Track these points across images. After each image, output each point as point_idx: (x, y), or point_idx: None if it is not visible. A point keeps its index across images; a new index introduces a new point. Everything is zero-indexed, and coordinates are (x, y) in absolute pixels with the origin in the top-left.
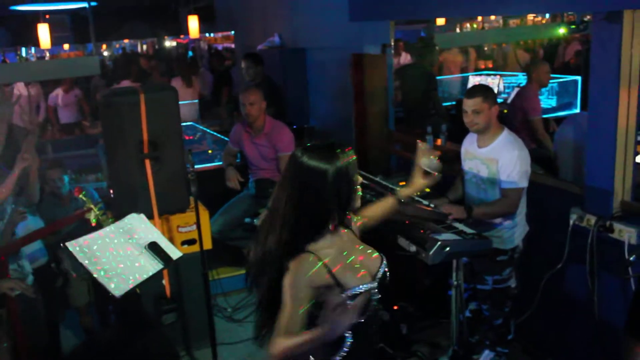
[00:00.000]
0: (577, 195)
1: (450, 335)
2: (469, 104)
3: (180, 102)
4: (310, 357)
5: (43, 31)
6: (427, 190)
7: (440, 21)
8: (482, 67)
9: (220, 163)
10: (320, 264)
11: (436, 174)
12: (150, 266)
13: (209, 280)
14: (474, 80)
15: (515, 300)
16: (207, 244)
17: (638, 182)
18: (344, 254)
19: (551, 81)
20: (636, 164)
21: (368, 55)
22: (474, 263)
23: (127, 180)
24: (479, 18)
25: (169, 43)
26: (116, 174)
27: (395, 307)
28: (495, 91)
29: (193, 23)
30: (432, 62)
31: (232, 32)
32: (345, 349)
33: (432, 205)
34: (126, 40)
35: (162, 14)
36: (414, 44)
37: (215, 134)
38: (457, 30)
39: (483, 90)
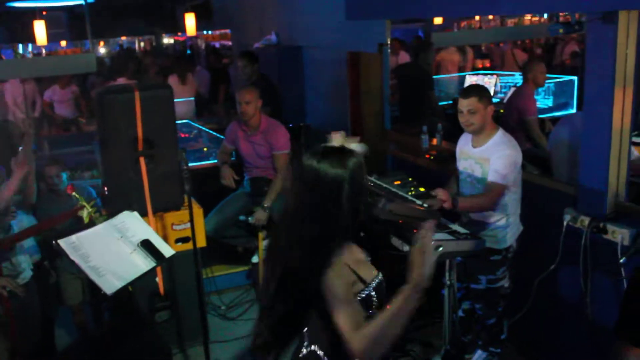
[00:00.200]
0: (571, 196)
1: (443, 335)
2: (464, 104)
3: (175, 100)
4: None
5: (39, 28)
6: (422, 189)
7: (438, 20)
8: (480, 66)
9: (216, 161)
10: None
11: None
12: (143, 264)
13: (202, 278)
14: (470, 79)
15: (509, 300)
16: (201, 242)
17: (632, 183)
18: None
19: (548, 81)
20: (630, 165)
21: (364, 54)
22: (467, 262)
23: (121, 178)
24: (476, 17)
25: (167, 40)
26: (111, 172)
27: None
28: (492, 91)
29: (190, 21)
30: (428, 61)
31: (229, 30)
32: None
33: (425, 205)
34: (123, 38)
35: (159, 11)
36: (411, 43)
37: (211, 132)
38: (455, 29)
39: (478, 90)
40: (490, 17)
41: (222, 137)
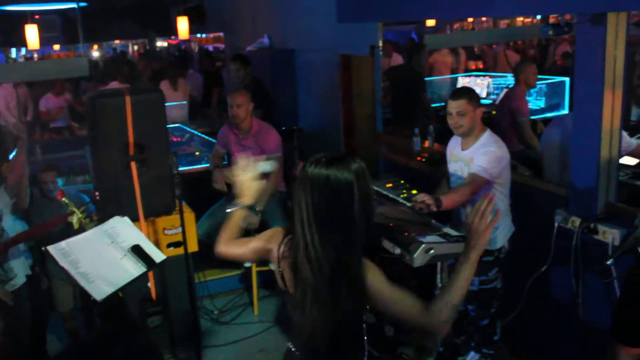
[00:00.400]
0: (562, 197)
1: (435, 337)
2: (454, 106)
3: (167, 104)
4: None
5: (31, 32)
6: (414, 192)
7: (431, 22)
8: (473, 67)
9: (208, 165)
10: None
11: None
12: (133, 269)
13: (194, 283)
14: (463, 81)
15: (502, 301)
16: (193, 247)
17: (623, 184)
18: None
19: (540, 82)
20: (620, 166)
21: (356, 56)
22: None
23: (112, 183)
24: (469, 19)
25: (160, 44)
26: (102, 176)
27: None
28: (485, 92)
29: (182, 24)
30: (421, 63)
31: (222, 33)
32: None
33: (409, 205)
34: (117, 41)
35: (152, 14)
36: (404, 45)
37: (203, 136)
38: (447, 31)
39: (467, 93)
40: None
41: (214, 141)
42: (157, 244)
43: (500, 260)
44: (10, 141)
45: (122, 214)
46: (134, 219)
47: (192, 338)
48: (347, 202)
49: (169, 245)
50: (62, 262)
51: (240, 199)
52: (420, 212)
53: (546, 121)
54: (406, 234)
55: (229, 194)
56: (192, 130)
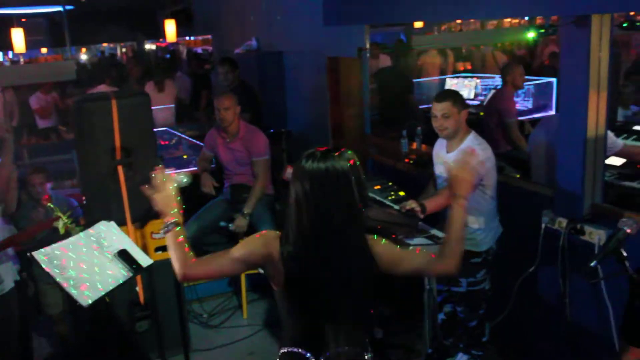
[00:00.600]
0: (549, 198)
1: (424, 339)
2: (438, 108)
3: (154, 107)
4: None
5: (17, 35)
6: (402, 194)
7: (419, 23)
8: (461, 68)
9: (196, 168)
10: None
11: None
12: (120, 274)
13: (182, 287)
14: (451, 82)
15: (490, 302)
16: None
17: (609, 184)
18: None
19: (527, 83)
20: (606, 166)
21: (344, 58)
22: None
23: (99, 187)
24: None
25: (149, 46)
26: (88, 181)
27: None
28: (473, 93)
29: (170, 27)
30: (408, 65)
31: (210, 35)
32: None
33: (396, 207)
34: (105, 44)
35: (140, 17)
36: (392, 46)
37: (191, 139)
38: (435, 32)
39: (452, 95)
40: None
41: (202, 144)
42: (144, 248)
43: (488, 262)
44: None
45: (110, 218)
46: (122, 223)
47: (181, 342)
48: (347, 190)
49: (156, 249)
50: (48, 268)
51: (166, 219)
52: (408, 214)
53: (534, 122)
54: (394, 236)
55: (217, 197)
56: (180, 134)
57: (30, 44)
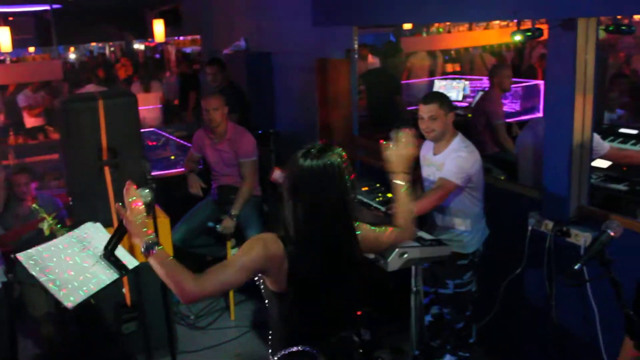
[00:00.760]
0: (536, 200)
1: (411, 340)
2: (425, 110)
3: (141, 108)
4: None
5: (3, 34)
6: (390, 195)
7: (408, 25)
8: (450, 70)
9: (183, 169)
10: None
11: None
12: (105, 276)
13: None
14: (439, 84)
15: (477, 304)
16: (168, 251)
17: (595, 187)
18: None
19: (515, 85)
20: (592, 169)
21: (332, 60)
22: (434, 268)
23: (85, 188)
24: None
25: (137, 46)
26: (75, 181)
27: (359, 312)
28: (461, 95)
29: (158, 27)
30: (396, 66)
31: (199, 35)
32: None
33: (382, 209)
34: (93, 43)
35: (129, 17)
36: (381, 47)
37: (178, 140)
38: (424, 34)
39: (439, 97)
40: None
41: (190, 145)
42: (131, 249)
43: (475, 264)
44: None
45: (96, 219)
46: (108, 224)
47: (168, 344)
48: (343, 181)
49: None
50: (32, 270)
51: (145, 239)
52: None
53: (521, 124)
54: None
55: (205, 198)
56: (168, 135)
57: (18, 43)
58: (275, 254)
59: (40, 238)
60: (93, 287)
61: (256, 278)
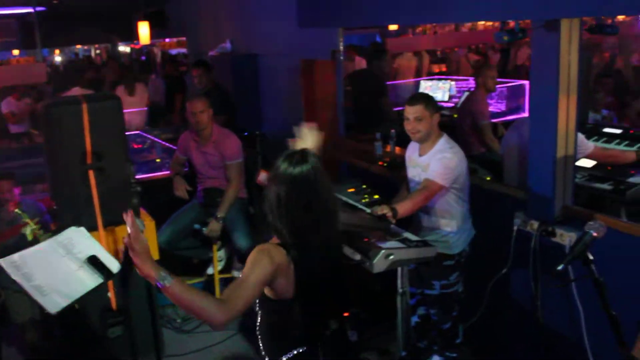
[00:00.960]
0: (521, 200)
1: (397, 341)
2: (411, 112)
3: (126, 111)
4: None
5: None
6: (376, 197)
7: (394, 26)
8: (437, 70)
9: (169, 172)
10: None
11: None
12: (89, 281)
13: (154, 292)
14: (425, 85)
15: (463, 304)
16: (154, 255)
17: (580, 186)
18: None
19: (501, 86)
20: (577, 169)
21: (318, 61)
22: (420, 268)
23: (70, 192)
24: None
25: (123, 48)
26: (59, 185)
27: (346, 314)
28: (447, 96)
29: (143, 29)
30: (382, 67)
31: (185, 37)
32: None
33: (368, 211)
34: (79, 46)
35: (114, 19)
36: (367, 48)
37: (164, 142)
38: (410, 35)
39: (425, 98)
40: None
41: (175, 147)
42: (116, 253)
43: (461, 264)
44: None
45: (81, 224)
46: (93, 228)
47: (154, 348)
48: (327, 182)
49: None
50: (15, 276)
51: (157, 274)
52: (380, 218)
53: (507, 124)
54: (366, 240)
55: (191, 201)
56: (153, 137)
57: (2, 46)
58: (281, 262)
59: (23, 243)
60: (77, 292)
61: None
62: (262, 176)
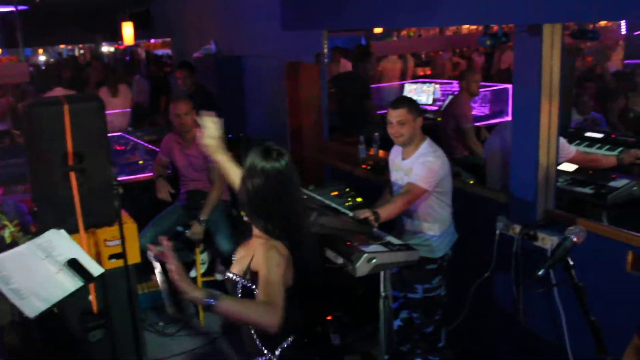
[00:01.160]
0: (504, 204)
1: (380, 345)
2: (394, 115)
3: (109, 112)
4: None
5: None
6: (359, 200)
7: (378, 29)
8: (421, 73)
9: (152, 174)
10: None
11: None
12: (69, 284)
13: (135, 295)
14: (409, 88)
15: (446, 308)
16: (135, 258)
17: (561, 190)
18: None
19: (484, 89)
20: (559, 173)
21: (302, 63)
22: (403, 272)
23: (51, 193)
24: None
25: (107, 48)
26: (39, 187)
27: (329, 317)
28: (431, 99)
29: (127, 30)
30: (367, 70)
31: (170, 38)
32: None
33: (350, 215)
34: (62, 46)
35: (98, 19)
36: (352, 51)
37: (147, 144)
38: (395, 37)
39: (408, 102)
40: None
41: (158, 149)
42: (98, 255)
43: (444, 268)
44: None
45: (62, 226)
46: (74, 231)
47: (135, 351)
48: (296, 178)
49: (110, 257)
50: None
51: (202, 296)
52: (363, 221)
53: (491, 127)
54: (349, 243)
55: (173, 203)
56: (136, 139)
57: None
58: (286, 254)
59: (1, 246)
60: (56, 296)
61: (243, 283)
62: None
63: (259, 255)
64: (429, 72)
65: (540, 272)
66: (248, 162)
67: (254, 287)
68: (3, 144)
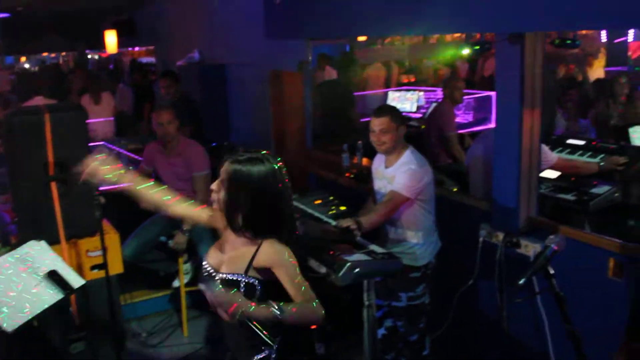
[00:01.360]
0: (487, 211)
1: (364, 354)
2: (377, 123)
3: (92, 120)
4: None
5: None
6: (343, 208)
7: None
8: (405, 81)
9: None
10: None
11: None
12: (49, 297)
13: (117, 306)
14: (393, 95)
15: (430, 316)
16: (118, 268)
17: (544, 197)
18: None
19: (468, 97)
20: (541, 180)
21: (286, 72)
22: (387, 280)
23: (32, 204)
24: None
25: (91, 56)
26: (20, 197)
27: (313, 327)
28: (415, 107)
29: (111, 38)
30: (351, 78)
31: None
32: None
33: (333, 223)
34: (45, 54)
35: (82, 27)
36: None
37: (130, 153)
38: (379, 45)
39: (390, 110)
40: None
41: (141, 159)
42: (80, 266)
43: (427, 276)
44: None
45: (43, 236)
46: (54, 242)
47: None
48: (286, 182)
49: (92, 268)
50: None
51: (267, 315)
52: (346, 231)
53: (474, 135)
54: (332, 252)
55: (157, 213)
56: (119, 148)
57: None
58: (290, 251)
59: None
60: (36, 309)
61: (246, 280)
62: None
63: (263, 255)
64: (413, 80)
65: (521, 282)
66: (233, 169)
67: (256, 282)
68: None
